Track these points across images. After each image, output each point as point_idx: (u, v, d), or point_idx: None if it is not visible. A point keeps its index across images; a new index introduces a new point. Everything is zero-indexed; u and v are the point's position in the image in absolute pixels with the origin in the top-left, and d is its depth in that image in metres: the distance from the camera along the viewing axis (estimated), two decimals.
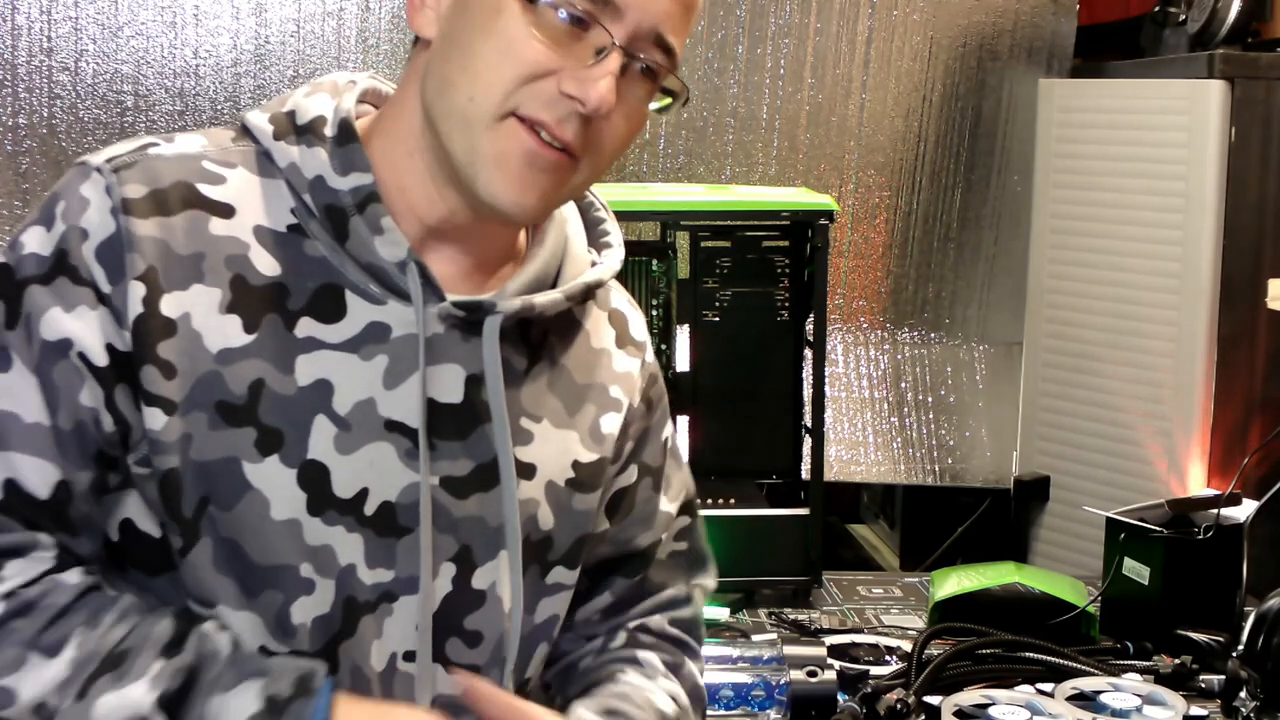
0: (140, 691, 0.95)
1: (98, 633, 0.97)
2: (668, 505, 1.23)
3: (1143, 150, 2.30)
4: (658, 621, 1.22)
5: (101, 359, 0.98)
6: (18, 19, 2.28)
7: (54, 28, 2.29)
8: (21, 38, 2.28)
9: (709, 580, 1.28)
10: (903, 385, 2.64)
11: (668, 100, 1.05)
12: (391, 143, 1.05)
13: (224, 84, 2.36)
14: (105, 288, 0.98)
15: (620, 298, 1.23)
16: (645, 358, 1.22)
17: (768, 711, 1.52)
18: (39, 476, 0.98)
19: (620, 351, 1.19)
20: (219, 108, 2.36)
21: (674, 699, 1.18)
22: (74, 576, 0.99)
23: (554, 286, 1.11)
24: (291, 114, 1.06)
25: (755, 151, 2.54)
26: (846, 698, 1.56)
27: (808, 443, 2.07)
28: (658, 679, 1.18)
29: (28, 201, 2.32)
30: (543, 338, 1.12)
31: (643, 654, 1.20)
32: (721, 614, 1.87)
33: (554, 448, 1.11)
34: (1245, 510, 1.84)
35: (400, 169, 1.05)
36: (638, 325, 1.23)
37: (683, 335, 2.06)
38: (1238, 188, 2.18)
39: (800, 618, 1.88)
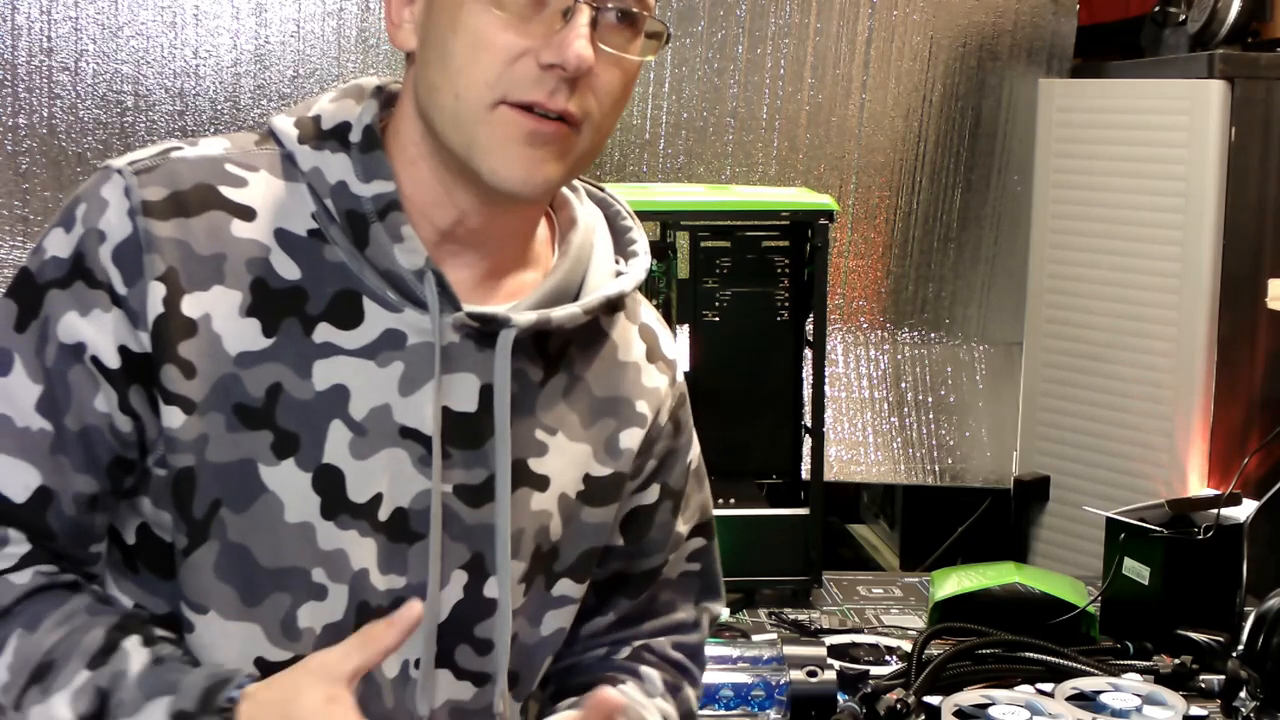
0: (60, 708, 0.95)
1: (34, 637, 0.97)
2: (683, 526, 1.23)
3: (1143, 150, 2.30)
4: (662, 644, 1.22)
5: (114, 361, 0.98)
6: (18, 19, 2.28)
7: (54, 28, 2.29)
8: (21, 38, 2.28)
9: (718, 607, 1.28)
10: (903, 385, 2.64)
11: (654, 49, 1.05)
12: (400, 153, 1.05)
13: (224, 84, 2.36)
14: (121, 290, 0.98)
15: (650, 313, 1.22)
16: (675, 376, 1.21)
17: (768, 711, 1.52)
18: (18, 480, 0.99)
19: (651, 366, 1.18)
20: (219, 108, 2.36)
21: (665, 719, 1.18)
22: (24, 577, 0.99)
23: (576, 298, 1.10)
24: (317, 119, 1.06)
25: (755, 151, 2.54)
26: (846, 698, 1.56)
27: (808, 443, 2.07)
28: (655, 697, 1.18)
29: (27, 201, 2.32)
30: (563, 348, 1.11)
31: (645, 669, 1.20)
32: (722, 614, 1.86)
33: (568, 459, 1.11)
34: (1245, 510, 1.84)
35: (408, 177, 1.05)
36: (668, 342, 1.22)
37: (683, 335, 2.06)
38: (1238, 188, 2.18)
39: (800, 618, 1.88)
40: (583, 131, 1.02)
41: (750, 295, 2.07)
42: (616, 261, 1.16)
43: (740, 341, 2.07)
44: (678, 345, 2.01)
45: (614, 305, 1.14)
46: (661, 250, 2.05)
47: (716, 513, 1.93)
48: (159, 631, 1.01)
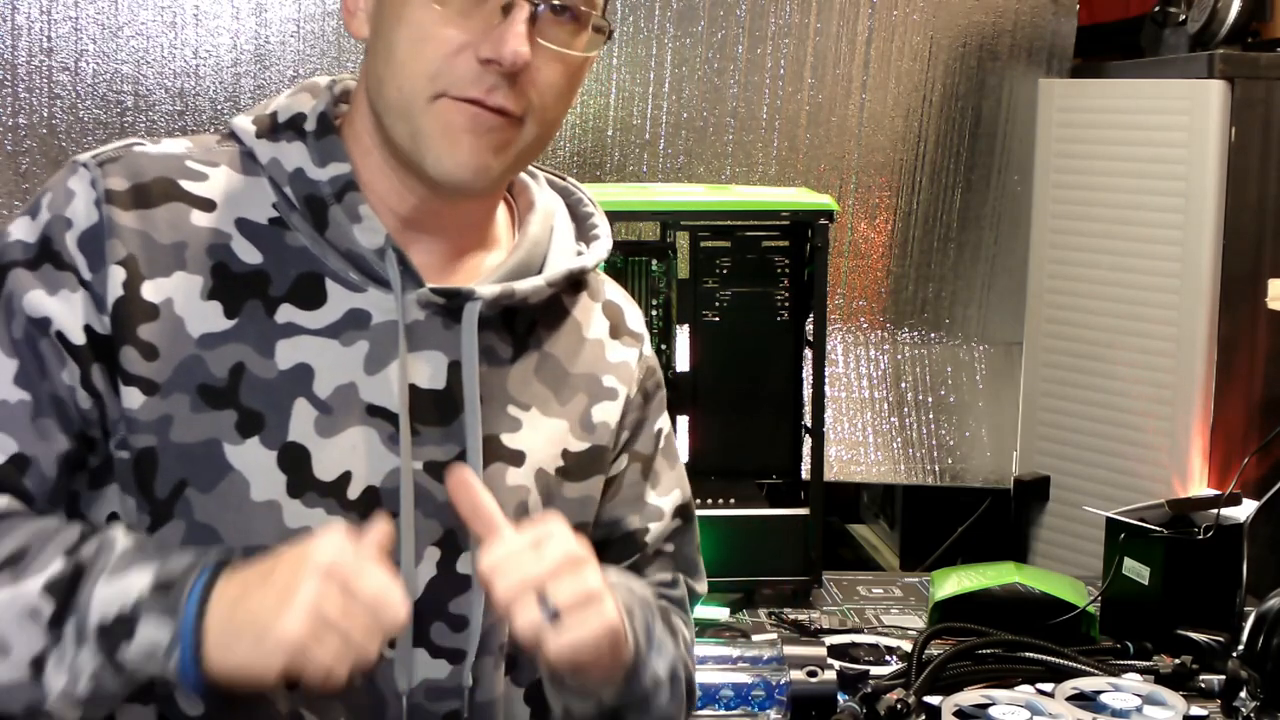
0: (33, 583, 0.95)
1: (5, 544, 0.97)
2: (657, 499, 1.23)
3: (1143, 150, 2.30)
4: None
5: (79, 338, 1.00)
6: (18, 19, 2.28)
7: (54, 28, 2.29)
8: (21, 38, 2.28)
9: (698, 585, 1.29)
10: (903, 385, 2.64)
11: (601, 43, 1.06)
12: (356, 142, 1.08)
13: (224, 84, 2.36)
14: (86, 274, 1.01)
15: (615, 290, 1.24)
16: (643, 350, 1.23)
17: (768, 711, 1.52)
18: None
19: (615, 342, 1.20)
20: (219, 108, 2.36)
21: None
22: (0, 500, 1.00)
23: (539, 274, 1.12)
24: (274, 114, 1.09)
25: (755, 151, 2.54)
26: (846, 698, 1.56)
27: (808, 443, 2.07)
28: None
29: (27, 201, 2.32)
30: (530, 327, 1.13)
31: None
32: (721, 614, 1.87)
33: (543, 436, 1.12)
34: (1245, 510, 1.84)
35: (364, 165, 1.07)
36: (634, 317, 1.24)
37: (683, 335, 2.06)
38: (1238, 188, 2.18)
39: (800, 618, 1.88)
40: (526, 125, 1.04)
41: (750, 295, 2.07)
42: (578, 244, 1.18)
43: (740, 341, 2.07)
44: (680, 341, 2.06)
45: (577, 284, 1.17)
46: (661, 250, 2.06)
47: (717, 513, 1.96)
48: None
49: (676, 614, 1.24)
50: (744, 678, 1.53)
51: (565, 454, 1.14)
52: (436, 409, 1.06)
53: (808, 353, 2.06)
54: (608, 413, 1.17)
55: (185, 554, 0.97)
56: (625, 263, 2.03)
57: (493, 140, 1.02)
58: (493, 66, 1.00)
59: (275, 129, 1.07)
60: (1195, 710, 1.53)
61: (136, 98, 2.33)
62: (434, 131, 1.02)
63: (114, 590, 0.94)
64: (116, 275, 1.00)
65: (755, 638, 1.66)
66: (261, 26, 2.36)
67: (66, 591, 0.94)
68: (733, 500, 1.98)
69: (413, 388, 1.05)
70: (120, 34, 2.32)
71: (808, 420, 2.09)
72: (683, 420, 2.07)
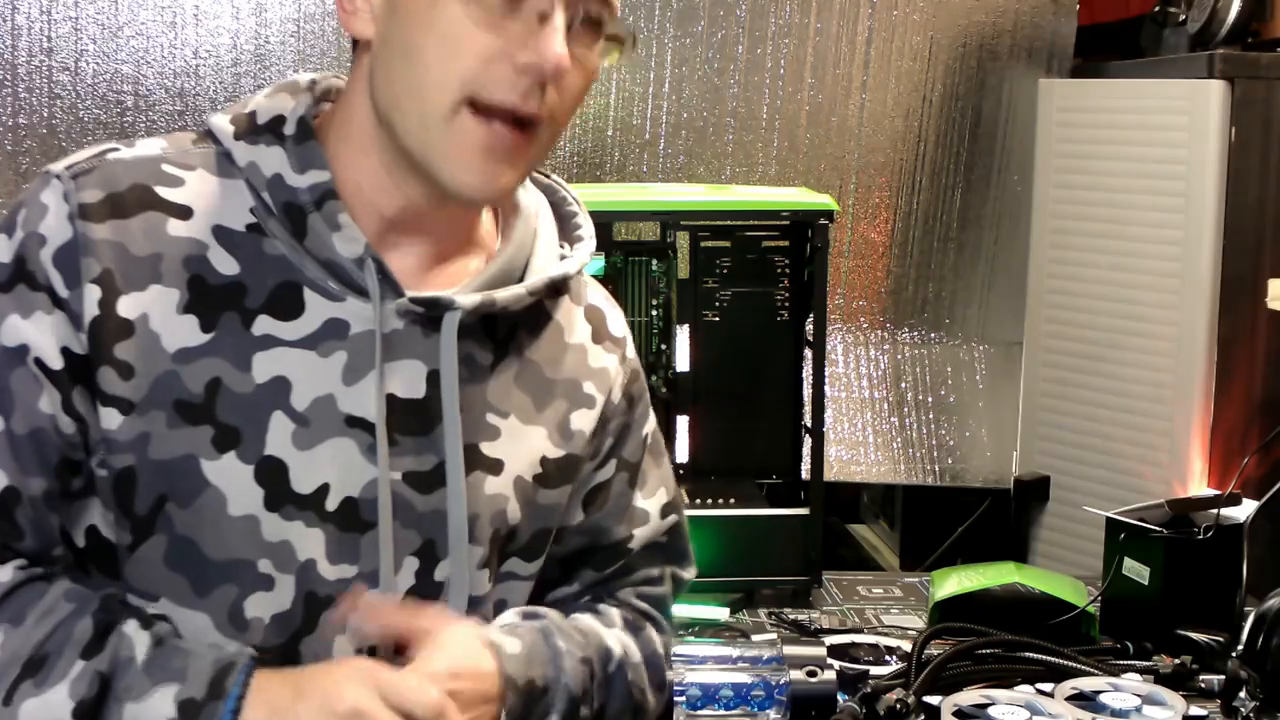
0: (59, 697, 0.96)
1: (21, 631, 0.97)
2: (643, 502, 1.24)
3: (1143, 150, 2.30)
4: (625, 593, 1.24)
5: (57, 362, 0.99)
6: (18, 19, 2.28)
7: (54, 28, 2.29)
8: (21, 38, 2.28)
9: (686, 572, 1.30)
10: (903, 385, 2.64)
11: (615, 51, 1.06)
12: (345, 142, 1.06)
13: (224, 84, 2.36)
14: (62, 292, 0.99)
15: (597, 293, 1.23)
16: (625, 353, 1.22)
17: (768, 711, 1.52)
18: None
19: (597, 347, 1.19)
20: (219, 108, 2.36)
21: (624, 648, 1.18)
22: (5, 574, 1.00)
23: (521, 281, 1.12)
24: (253, 115, 1.07)
25: (755, 151, 2.54)
26: (846, 698, 1.56)
27: (808, 443, 2.07)
28: (613, 628, 1.19)
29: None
30: (511, 332, 1.12)
31: (603, 606, 1.22)
32: (721, 614, 1.87)
33: (522, 443, 1.12)
34: (1245, 510, 1.84)
35: (356, 166, 1.06)
36: (616, 321, 1.23)
37: (683, 335, 2.06)
38: (1238, 188, 2.18)
39: (800, 618, 1.88)
40: (540, 132, 1.03)
41: (750, 295, 2.07)
42: (561, 246, 1.17)
43: (740, 341, 2.07)
44: (680, 341, 2.06)
45: (559, 288, 1.16)
46: (661, 250, 2.05)
47: (717, 513, 1.96)
48: (151, 611, 1.02)
49: (651, 615, 1.25)
50: (744, 678, 1.53)
51: (543, 461, 1.14)
52: (415, 419, 1.06)
53: (808, 353, 2.06)
54: (584, 421, 1.17)
55: (202, 662, 0.98)
56: (625, 263, 2.03)
57: (508, 161, 1.02)
58: (532, 72, 0.99)
59: (254, 130, 1.06)
60: (1195, 710, 1.53)
61: (136, 98, 2.33)
62: (448, 150, 1.01)
63: (141, 716, 0.96)
64: (92, 294, 0.99)
65: (755, 638, 1.65)
66: (261, 26, 2.36)
67: (93, 711, 0.96)
68: (733, 500, 1.98)
69: (391, 398, 1.05)
70: (120, 34, 2.32)
71: (808, 420, 2.09)
72: (683, 420, 2.07)
